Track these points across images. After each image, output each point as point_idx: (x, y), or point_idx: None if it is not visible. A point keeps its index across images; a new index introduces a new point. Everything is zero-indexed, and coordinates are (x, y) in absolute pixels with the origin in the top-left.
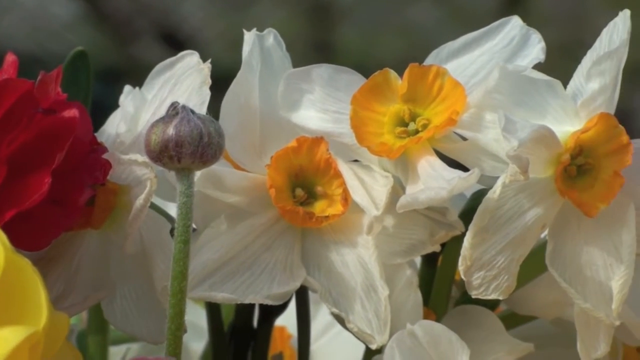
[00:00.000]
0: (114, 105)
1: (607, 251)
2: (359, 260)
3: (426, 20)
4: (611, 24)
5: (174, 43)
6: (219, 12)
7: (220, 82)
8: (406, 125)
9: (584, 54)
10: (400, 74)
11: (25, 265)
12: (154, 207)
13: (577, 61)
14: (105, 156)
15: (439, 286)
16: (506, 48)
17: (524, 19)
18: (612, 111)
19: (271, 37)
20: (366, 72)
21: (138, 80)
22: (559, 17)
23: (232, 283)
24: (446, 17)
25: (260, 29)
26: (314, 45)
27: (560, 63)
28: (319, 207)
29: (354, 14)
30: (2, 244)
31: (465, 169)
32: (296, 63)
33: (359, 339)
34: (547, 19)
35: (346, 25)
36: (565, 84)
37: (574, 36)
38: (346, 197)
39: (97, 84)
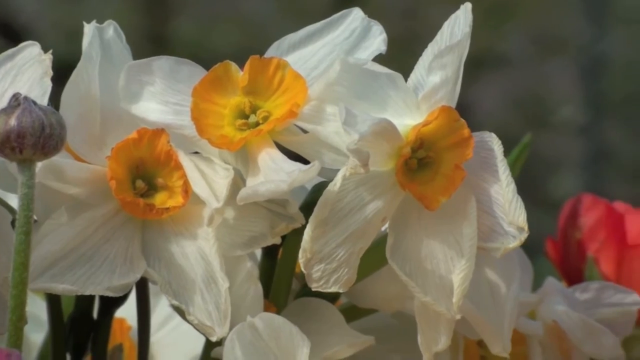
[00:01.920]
0: None
1: (448, 244)
2: (199, 252)
3: (260, 12)
4: (452, 17)
5: (9, 33)
6: (54, 2)
7: (57, 73)
8: (247, 117)
9: (420, 47)
10: (238, 65)
11: None
12: None
13: (414, 54)
14: None
15: (279, 279)
16: (348, 40)
17: None
18: (454, 104)
19: (111, 29)
20: (201, 63)
21: None
22: (394, 10)
23: (73, 274)
24: (281, 8)
25: (96, 20)
26: (149, 37)
27: (397, 56)
28: (160, 199)
29: (188, 5)
30: None
31: (306, 161)
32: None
33: (199, 331)
34: (382, 12)
35: (181, 17)
36: (403, 77)
37: (410, 30)
38: (187, 189)
39: None
